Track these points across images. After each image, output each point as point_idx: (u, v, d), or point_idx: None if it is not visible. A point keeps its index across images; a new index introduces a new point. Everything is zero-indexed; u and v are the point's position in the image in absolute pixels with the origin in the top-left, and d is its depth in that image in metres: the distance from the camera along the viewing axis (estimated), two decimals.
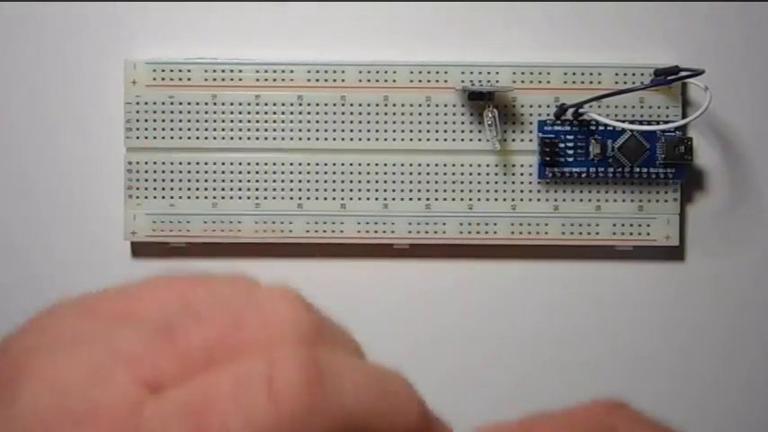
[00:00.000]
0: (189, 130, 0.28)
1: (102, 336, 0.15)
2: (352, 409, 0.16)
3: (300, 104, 0.27)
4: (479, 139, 0.28)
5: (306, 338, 0.16)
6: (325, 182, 0.27)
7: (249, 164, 0.27)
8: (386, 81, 0.28)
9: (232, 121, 0.27)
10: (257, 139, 0.27)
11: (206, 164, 0.27)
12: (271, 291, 0.16)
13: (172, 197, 0.28)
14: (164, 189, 0.28)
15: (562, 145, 0.28)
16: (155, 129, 0.28)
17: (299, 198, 0.28)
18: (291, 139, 0.28)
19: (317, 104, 0.27)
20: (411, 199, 0.28)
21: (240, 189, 0.28)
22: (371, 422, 0.17)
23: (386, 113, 0.28)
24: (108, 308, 0.16)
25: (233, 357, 0.15)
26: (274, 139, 0.27)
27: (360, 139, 0.28)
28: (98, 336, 0.15)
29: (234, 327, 0.15)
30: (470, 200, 0.28)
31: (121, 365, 0.14)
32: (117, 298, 0.17)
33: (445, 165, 0.28)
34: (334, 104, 0.27)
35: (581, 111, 0.28)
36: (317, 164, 0.28)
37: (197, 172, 0.28)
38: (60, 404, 0.14)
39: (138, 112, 0.27)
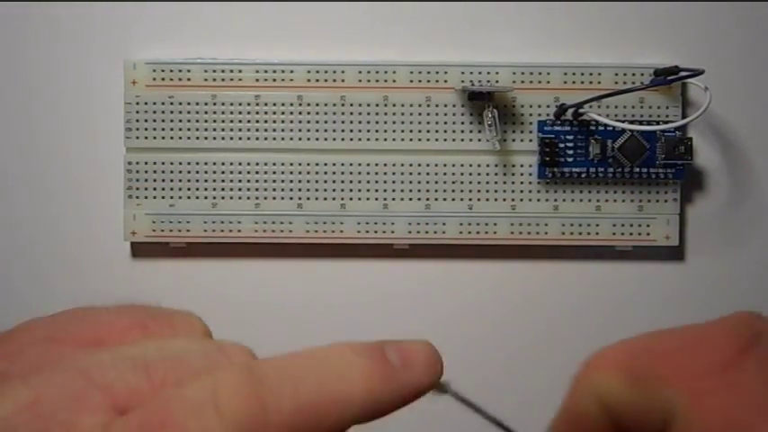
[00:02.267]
0: (189, 130, 0.28)
1: (72, 362, 0.16)
2: (295, 402, 0.17)
3: (300, 104, 0.27)
4: (479, 140, 0.28)
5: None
6: (325, 182, 0.27)
7: (249, 164, 0.27)
8: (386, 81, 0.28)
9: (232, 122, 0.27)
10: (257, 139, 0.27)
11: (206, 164, 0.27)
12: (233, 345, 0.17)
13: (172, 197, 0.28)
14: (164, 189, 0.28)
15: (562, 145, 0.28)
16: (155, 129, 0.28)
17: (299, 198, 0.28)
18: (291, 139, 0.28)
19: (317, 104, 0.27)
20: (411, 199, 0.28)
21: (240, 189, 0.28)
22: (319, 405, 0.17)
23: (386, 113, 0.28)
24: (74, 335, 0.17)
25: None
26: (274, 139, 0.27)
27: (359, 140, 0.28)
28: (68, 362, 0.16)
29: (207, 371, 0.16)
30: (470, 200, 0.28)
31: (96, 392, 0.15)
32: (79, 325, 0.18)
33: (445, 165, 0.28)
34: (334, 104, 0.27)
35: (581, 111, 0.28)
36: (317, 164, 0.28)
37: (197, 172, 0.28)
38: (38, 426, 0.15)
39: (137, 112, 0.27)
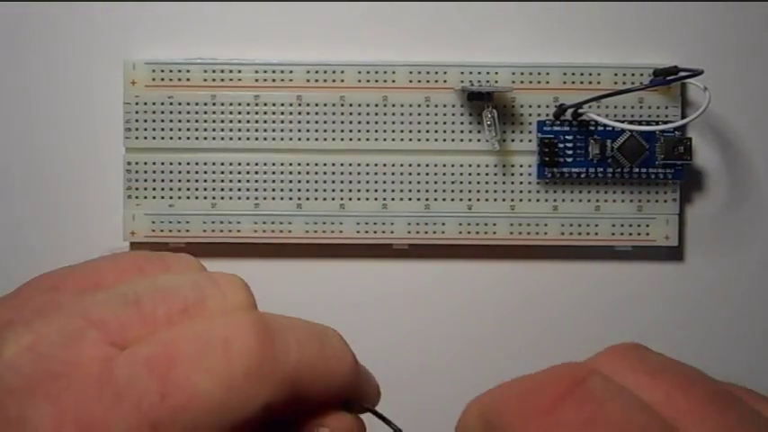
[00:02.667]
0: (188, 130, 0.28)
1: (71, 306, 0.17)
2: (298, 361, 0.18)
3: (299, 105, 0.27)
4: (479, 140, 0.28)
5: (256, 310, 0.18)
6: (325, 182, 0.27)
7: (248, 164, 0.27)
8: (385, 81, 0.28)
9: (231, 122, 0.27)
10: (256, 139, 0.27)
11: (205, 164, 0.27)
12: (225, 275, 0.18)
13: (171, 197, 0.28)
14: (163, 189, 0.28)
15: (561, 145, 0.28)
16: (154, 129, 0.28)
17: (299, 198, 0.28)
18: (290, 139, 0.27)
19: (317, 105, 0.27)
20: (410, 199, 0.28)
21: (239, 189, 0.28)
22: (315, 371, 0.18)
23: (385, 114, 0.28)
24: (73, 282, 0.18)
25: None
26: (273, 139, 0.27)
27: (359, 140, 0.28)
28: (68, 306, 0.17)
29: (197, 301, 0.17)
30: (469, 200, 0.28)
31: (93, 329, 0.16)
32: (80, 274, 0.19)
33: (444, 165, 0.28)
34: (334, 105, 0.27)
35: (580, 111, 0.28)
36: (316, 164, 0.27)
37: (196, 172, 0.28)
38: (40, 365, 0.16)
39: (137, 112, 0.27)
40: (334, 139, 0.28)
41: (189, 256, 0.20)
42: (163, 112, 0.27)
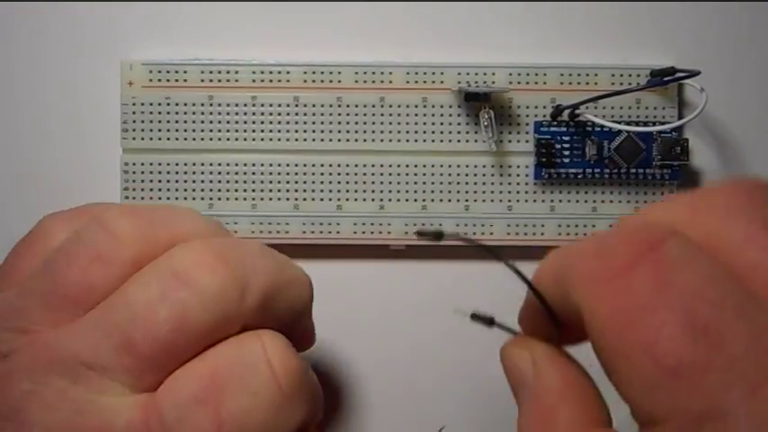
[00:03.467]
0: (185, 131, 0.28)
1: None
2: (259, 277, 0.19)
3: (297, 105, 0.27)
4: (476, 140, 0.28)
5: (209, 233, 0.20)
6: (322, 183, 0.27)
7: (245, 165, 0.27)
8: (382, 82, 0.28)
9: (228, 122, 0.27)
10: (253, 140, 0.27)
11: (202, 165, 0.27)
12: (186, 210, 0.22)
13: (168, 198, 0.28)
14: (160, 190, 0.28)
15: (558, 146, 0.28)
16: (151, 130, 0.28)
17: (296, 199, 0.28)
18: (288, 140, 0.28)
19: (314, 105, 0.27)
20: (407, 200, 0.28)
21: (236, 190, 0.28)
22: (283, 287, 0.20)
23: (382, 114, 0.28)
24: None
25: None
26: (270, 140, 0.27)
27: (356, 140, 0.28)
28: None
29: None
30: (466, 201, 0.28)
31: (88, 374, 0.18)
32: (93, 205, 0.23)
33: (441, 166, 0.28)
34: (331, 105, 0.27)
35: (577, 112, 0.28)
36: (314, 165, 0.28)
37: (193, 173, 0.28)
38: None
39: (134, 113, 0.27)
40: (331, 140, 0.28)
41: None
42: (160, 113, 0.27)
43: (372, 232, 0.28)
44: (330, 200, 0.27)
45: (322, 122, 0.28)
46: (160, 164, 0.27)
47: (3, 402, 0.17)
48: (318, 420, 0.20)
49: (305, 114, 0.27)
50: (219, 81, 0.27)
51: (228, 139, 0.27)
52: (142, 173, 0.27)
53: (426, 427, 0.25)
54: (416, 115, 0.28)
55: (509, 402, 0.28)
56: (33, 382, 0.18)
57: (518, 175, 0.28)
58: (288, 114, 0.27)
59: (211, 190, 0.28)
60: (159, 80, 0.27)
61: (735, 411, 0.13)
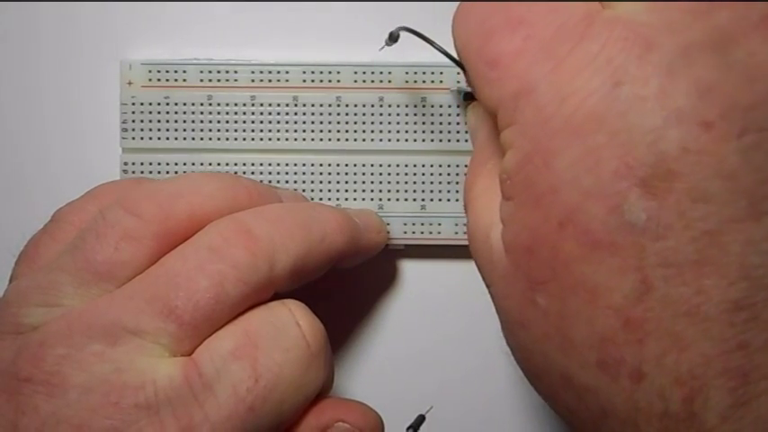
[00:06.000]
0: (185, 130, 0.28)
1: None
2: (288, 248, 0.20)
3: (296, 105, 0.28)
4: None
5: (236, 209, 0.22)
6: (321, 182, 0.28)
7: (244, 164, 0.28)
8: (381, 82, 0.28)
9: (227, 122, 0.28)
10: (252, 139, 0.28)
11: (201, 164, 0.28)
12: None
13: None
14: None
15: None
16: (150, 129, 0.28)
17: None
18: (287, 139, 0.28)
19: (313, 105, 0.28)
20: (406, 199, 0.28)
21: None
22: (312, 248, 0.22)
23: (381, 114, 0.28)
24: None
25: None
26: (270, 139, 0.28)
27: (355, 140, 0.28)
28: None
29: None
30: None
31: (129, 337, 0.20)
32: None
33: (440, 165, 0.28)
34: (330, 105, 0.28)
35: None
36: (312, 164, 0.28)
37: (193, 172, 0.28)
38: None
39: (133, 112, 0.27)
40: (330, 140, 0.28)
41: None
42: (159, 113, 0.28)
43: None
44: (329, 199, 0.27)
45: (321, 122, 0.28)
46: (159, 163, 0.28)
47: (36, 369, 0.18)
48: (329, 392, 0.21)
49: (304, 114, 0.28)
50: (219, 81, 0.27)
51: (228, 139, 0.28)
52: (141, 172, 0.27)
53: (424, 423, 0.25)
54: (416, 115, 0.28)
55: (509, 402, 0.28)
56: (68, 346, 0.18)
57: None
58: (287, 114, 0.28)
59: None
60: (158, 80, 0.27)
61: (539, 85, 0.16)
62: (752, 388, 0.14)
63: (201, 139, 0.28)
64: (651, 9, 0.15)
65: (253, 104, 0.27)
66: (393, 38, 0.24)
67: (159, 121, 0.27)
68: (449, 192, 0.28)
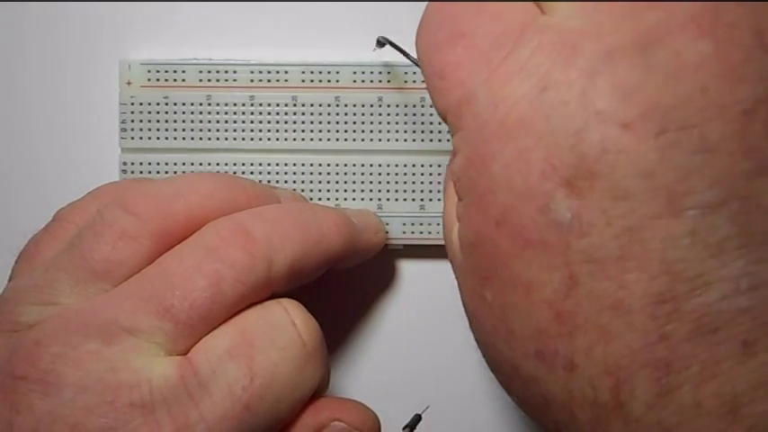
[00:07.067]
0: (184, 130, 0.28)
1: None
2: (285, 248, 0.20)
3: (295, 105, 0.28)
4: None
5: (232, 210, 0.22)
6: (320, 182, 0.28)
7: (243, 164, 0.28)
8: (380, 82, 0.28)
9: (227, 122, 0.28)
10: (251, 139, 0.28)
11: (200, 164, 0.28)
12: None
13: None
14: None
15: None
16: (150, 129, 0.28)
17: None
18: (286, 139, 0.28)
19: (312, 105, 0.28)
20: (405, 199, 0.28)
21: None
22: (309, 249, 0.21)
23: (380, 114, 0.28)
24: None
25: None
26: (269, 139, 0.28)
27: (354, 140, 0.28)
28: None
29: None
30: None
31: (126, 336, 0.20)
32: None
33: (440, 165, 0.28)
34: (329, 105, 0.28)
35: None
36: (311, 164, 0.28)
37: (192, 172, 0.28)
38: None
39: (132, 112, 0.27)
40: (329, 140, 0.28)
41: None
42: (158, 113, 0.28)
43: None
44: (328, 199, 0.27)
45: (320, 122, 0.28)
46: (159, 163, 0.28)
47: (31, 367, 0.18)
48: (324, 392, 0.21)
49: (303, 114, 0.28)
50: (218, 81, 0.27)
51: (227, 139, 0.28)
52: (141, 172, 0.28)
53: (422, 424, 0.25)
54: (414, 115, 0.28)
55: (507, 402, 0.28)
56: (64, 345, 0.18)
57: None
58: (286, 114, 0.28)
59: None
60: (158, 80, 0.27)
61: (477, 92, 0.16)
62: (674, 378, 0.14)
63: (201, 138, 0.28)
64: (583, 14, 0.16)
65: (252, 104, 0.28)
66: (380, 44, 0.25)
67: (158, 121, 0.28)
68: None
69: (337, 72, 0.28)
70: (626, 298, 0.15)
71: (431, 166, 0.28)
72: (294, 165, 0.28)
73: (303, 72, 0.27)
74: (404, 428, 0.23)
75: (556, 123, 0.15)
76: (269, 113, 0.28)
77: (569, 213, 0.15)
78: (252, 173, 0.28)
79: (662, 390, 0.14)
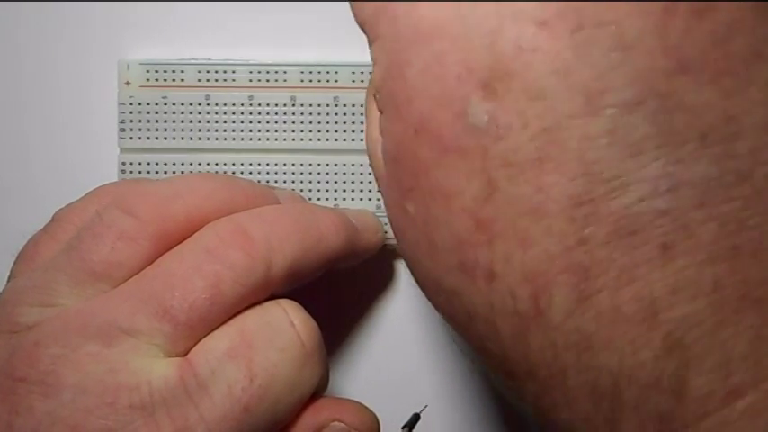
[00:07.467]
0: (182, 130, 0.28)
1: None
2: (284, 249, 0.20)
3: (293, 105, 0.28)
4: None
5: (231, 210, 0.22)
6: (319, 182, 0.28)
7: (242, 164, 0.28)
8: None
9: (225, 122, 0.28)
10: (250, 139, 0.28)
11: (200, 164, 0.28)
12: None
13: None
14: None
15: None
16: (148, 129, 0.28)
17: None
18: (284, 139, 0.28)
19: (310, 105, 0.28)
20: None
21: None
22: (308, 250, 0.21)
23: None
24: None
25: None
26: (267, 139, 0.28)
27: (353, 140, 0.28)
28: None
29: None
30: None
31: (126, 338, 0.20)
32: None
33: None
34: (328, 105, 0.28)
35: None
36: (310, 164, 0.28)
37: (191, 172, 0.28)
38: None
39: (131, 112, 0.27)
40: (328, 140, 0.28)
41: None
42: (157, 113, 0.28)
43: None
44: (327, 199, 0.27)
45: (319, 122, 0.28)
46: (157, 163, 0.28)
47: (31, 369, 0.18)
48: (324, 392, 0.21)
49: (302, 114, 0.28)
50: (216, 81, 0.27)
51: (225, 139, 0.28)
52: (139, 172, 0.28)
53: (420, 423, 0.25)
54: None
55: (505, 402, 0.28)
56: (63, 346, 0.18)
57: None
58: (285, 114, 0.28)
59: None
60: (156, 80, 0.27)
61: None
62: (592, 283, 0.14)
63: (199, 138, 0.28)
64: None
65: (251, 104, 0.28)
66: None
67: (157, 121, 0.28)
68: None
69: (336, 72, 0.28)
70: (544, 202, 0.14)
71: None
72: (293, 165, 0.28)
73: (302, 72, 0.27)
74: (402, 428, 0.23)
75: (471, 23, 0.15)
76: (268, 113, 0.28)
77: (486, 116, 0.14)
78: (251, 173, 0.28)
79: (580, 295, 0.14)
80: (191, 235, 0.21)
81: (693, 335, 0.13)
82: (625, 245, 0.14)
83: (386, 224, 0.27)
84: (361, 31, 0.29)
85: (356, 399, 0.22)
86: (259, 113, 0.28)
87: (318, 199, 0.27)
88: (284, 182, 0.28)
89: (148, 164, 0.28)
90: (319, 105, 0.28)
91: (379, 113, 0.18)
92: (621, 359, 0.14)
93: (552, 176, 0.14)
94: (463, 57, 0.15)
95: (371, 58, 0.17)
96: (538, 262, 0.14)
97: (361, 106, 0.28)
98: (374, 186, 0.28)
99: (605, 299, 0.14)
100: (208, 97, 0.27)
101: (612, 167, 0.14)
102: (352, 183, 0.28)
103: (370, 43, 0.17)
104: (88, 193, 0.24)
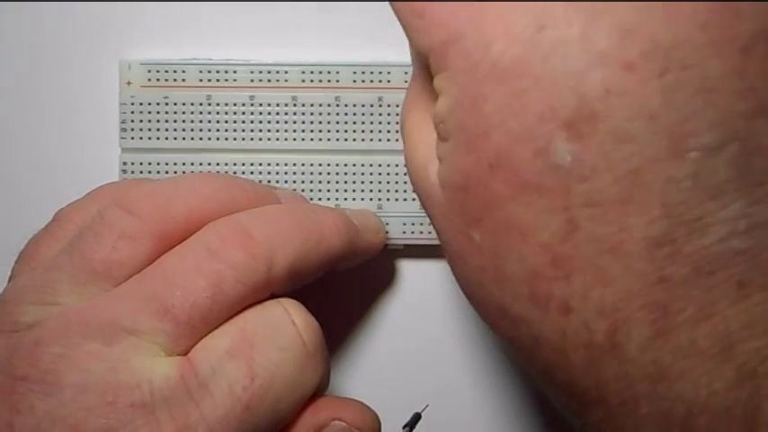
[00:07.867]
0: (184, 130, 0.28)
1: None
2: (285, 249, 0.20)
3: (295, 105, 0.28)
4: None
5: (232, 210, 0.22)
6: (320, 182, 0.28)
7: (243, 164, 0.28)
8: (380, 82, 0.28)
9: (227, 122, 0.28)
10: (252, 139, 0.28)
11: (201, 164, 0.28)
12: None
13: None
14: None
15: None
16: (150, 129, 0.28)
17: None
18: (286, 139, 0.28)
19: (312, 105, 0.28)
20: (405, 199, 0.28)
21: None
22: (309, 251, 0.21)
23: (380, 114, 0.28)
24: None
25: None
26: (269, 139, 0.28)
27: (354, 140, 0.28)
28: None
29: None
30: None
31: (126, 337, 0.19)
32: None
33: None
34: (329, 105, 0.28)
35: None
36: (312, 164, 0.28)
37: (192, 172, 0.28)
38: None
39: (132, 112, 0.27)
40: (329, 140, 0.28)
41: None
42: (158, 113, 0.28)
43: None
44: (328, 199, 0.27)
45: (320, 122, 0.28)
46: (159, 163, 0.28)
47: (32, 367, 0.18)
48: (325, 391, 0.21)
49: (303, 114, 0.28)
50: (218, 81, 0.27)
51: (227, 139, 0.28)
52: (141, 172, 0.28)
53: (423, 423, 0.25)
54: None
55: (505, 402, 0.28)
56: (64, 345, 0.18)
57: None
58: (286, 114, 0.28)
59: None
60: (158, 80, 0.27)
61: (465, 32, 0.16)
62: (671, 320, 0.14)
63: (201, 139, 0.28)
64: None
65: (252, 104, 0.28)
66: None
67: (158, 121, 0.28)
68: None
69: (337, 72, 0.28)
70: (625, 241, 0.15)
71: None
72: (294, 165, 0.28)
73: (303, 72, 0.28)
74: (403, 427, 0.23)
75: (555, 64, 0.15)
76: (269, 113, 0.28)
77: (569, 156, 0.15)
78: (252, 173, 0.28)
79: (658, 331, 0.15)
80: (192, 234, 0.21)
81: (766, 366, 0.14)
82: (703, 283, 0.14)
83: (387, 224, 0.27)
84: (361, 32, 0.29)
85: (357, 398, 0.22)
86: (260, 113, 0.28)
87: (320, 199, 0.27)
88: (285, 182, 0.28)
89: (150, 164, 0.28)
90: (321, 105, 0.28)
91: (434, 137, 0.18)
92: (696, 389, 0.14)
93: (634, 217, 0.15)
94: (546, 96, 0.15)
95: (434, 86, 0.17)
96: (617, 299, 0.15)
97: (363, 106, 0.28)
98: (375, 186, 0.28)
99: (683, 334, 0.14)
100: (209, 97, 0.27)
101: (694, 209, 0.14)
102: (354, 183, 0.28)
103: (435, 73, 0.17)
104: (89, 193, 0.24)
